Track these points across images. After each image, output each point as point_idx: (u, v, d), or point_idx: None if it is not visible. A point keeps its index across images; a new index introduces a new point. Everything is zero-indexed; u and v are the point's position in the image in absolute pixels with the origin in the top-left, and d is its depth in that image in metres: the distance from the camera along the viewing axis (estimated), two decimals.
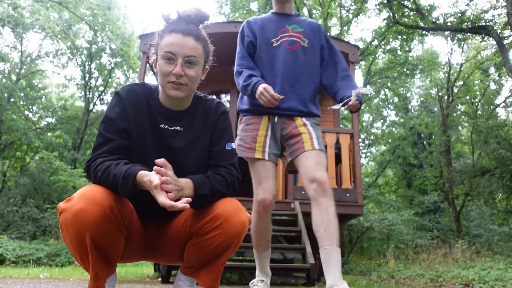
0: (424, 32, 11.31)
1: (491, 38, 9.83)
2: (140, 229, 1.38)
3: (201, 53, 1.33)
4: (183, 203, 1.12)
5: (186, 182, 1.25)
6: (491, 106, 15.00)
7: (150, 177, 1.15)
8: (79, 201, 1.12)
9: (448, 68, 14.69)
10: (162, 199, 1.12)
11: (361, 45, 14.04)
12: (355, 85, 2.01)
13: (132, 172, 1.17)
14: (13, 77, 14.88)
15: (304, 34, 2.10)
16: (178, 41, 1.28)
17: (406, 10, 11.12)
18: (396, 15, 11.02)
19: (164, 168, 1.18)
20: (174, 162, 1.20)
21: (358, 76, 16.74)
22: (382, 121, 19.69)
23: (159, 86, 1.41)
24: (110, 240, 1.19)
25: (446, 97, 14.59)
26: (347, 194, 4.75)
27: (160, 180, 1.13)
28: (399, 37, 12.59)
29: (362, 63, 15.14)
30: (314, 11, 14.37)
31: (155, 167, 1.16)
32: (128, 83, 17.50)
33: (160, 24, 1.37)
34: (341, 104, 1.91)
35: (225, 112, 1.49)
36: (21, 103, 15.23)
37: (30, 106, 15.84)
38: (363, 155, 20.07)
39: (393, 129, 19.03)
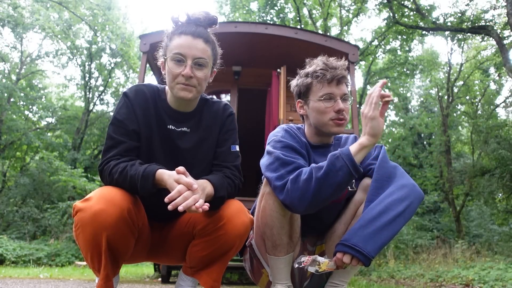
0: (424, 32, 11.31)
1: (491, 38, 9.82)
2: (148, 231, 1.39)
3: (210, 55, 1.34)
4: (202, 206, 1.13)
5: (205, 182, 1.25)
6: (491, 106, 14.99)
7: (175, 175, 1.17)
8: (98, 202, 1.12)
9: (448, 68, 14.69)
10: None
11: (361, 45, 14.02)
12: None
13: (151, 171, 1.18)
14: (13, 77, 14.87)
15: None
16: (188, 42, 1.29)
17: (406, 10, 11.12)
18: (396, 15, 11.01)
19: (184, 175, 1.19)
20: (181, 163, 1.21)
21: (358, 76, 16.75)
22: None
23: (166, 88, 1.41)
24: (124, 242, 1.19)
25: (446, 97, 14.59)
26: None
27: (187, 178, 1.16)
28: (399, 37, 12.58)
29: (362, 63, 15.14)
30: (314, 11, 14.37)
31: (177, 168, 1.17)
32: (128, 83, 17.51)
33: (168, 26, 1.37)
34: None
35: (232, 114, 1.50)
36: (21, 103, 15.23)
37: (30, 106, 15.84)
38: None
39: (393, 129, 19.03)
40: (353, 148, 1.31)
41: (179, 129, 1.39)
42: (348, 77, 1.58)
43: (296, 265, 1.32)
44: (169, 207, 1.10)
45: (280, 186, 1.31)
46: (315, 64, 1.55)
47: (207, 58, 1.32)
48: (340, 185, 1.28)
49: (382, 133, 1.33)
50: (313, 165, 1.33)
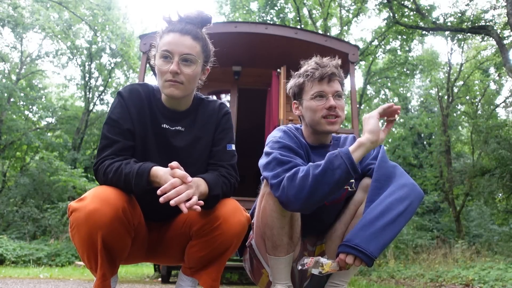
0: (424, 32, 11.31)
1: (491, 38, 9.82)
2: (145, 231, 1.39)
3: (198, 52, 1.32)
4: (195, 204, 1.12)
5: (199, 180, 1.25)
6: (491, 106, 14.99)
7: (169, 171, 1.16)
8: (93, 201, 1.12)
9: (448, 68, 14.69)
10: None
11: (361, 45, 14.02)
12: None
13: (146, 169, 1.18)
14: (13, 77, 14.87)
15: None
16: (175, 39, 1.28)
17: (406, 10, 11.12)
18: (396, 15, 11.01)
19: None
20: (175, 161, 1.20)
21: (358, 76, 16.74)
22: (382, 121, 19.66)
23: None
24: (120, 241, 1.19)
25: (446, 97, 14.59)
26: None
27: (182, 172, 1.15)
28: (399, 37, 12.58)
29: (362, 63, 15.13)
30: (314, 11, 14.36)
31: (171, 163, 1.17)
32: (128, 83, 17.52)
33: (161, 26, 1.36)
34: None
35: (227, 113, 1.50)
36: (21, 103, 15.22)
37: (30, 106, 15.84)
38: None
39: (393, 129, 19.02)
40: (352, 147, 1.31)
41: (173, 128, 1.39)
42: (341, 74, 1.56)
43: (300, 267, 1.32)
44: (161, 199, 1.09)
45: (276, 184, 1.31)
46: (307, 64, 1.56)
47: (195, 54, 1.30)
48: (337, 184, 1.27)
49: (381, 138, 1.33)
50: (310, 163, 1.33)
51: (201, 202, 1.15)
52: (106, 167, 1.23)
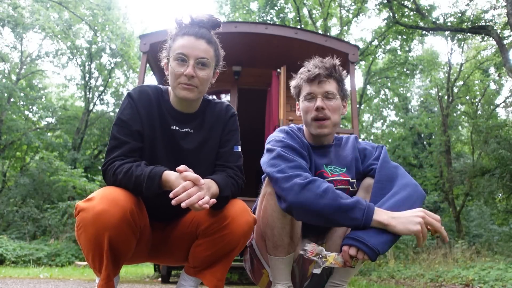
0: (424, 32, 11.31)
1: (491, 38, 9.82)
2: (149, 232, 1.39)
3: (212, 56, 1.35)
4: (208, 202, 1.14)
5: (210, 182, 1.26)
6: (491, 106, 15.00)
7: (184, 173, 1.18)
8: (101, 202, 1.12)
9: (448, 68, 14.69)
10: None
11: (361, 45, 14.02)
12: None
13: (158, 173, 1.19)
14: (13, 77, 14.86)
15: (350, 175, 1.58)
16: (191, 43, 1.30)
17: (406, 10, 11.12)
18: (396, 15, 11.01)
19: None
20: (183, 163, 1.22)
21: (358, 76, 16.74)
22: (382, 121, 19.70)
23: (169, 89, 1.42)
24: (126, 242, 1.19)
25: (446, 97, 14.59)
26: None
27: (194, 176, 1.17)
28: (399, 37, 12.58)
29: (362, 63, 15.13)
30: (314, 11, 14.37)
31: (178, 167, 1.18)
32: (128, 83, 17.46)
33: (171, 27, 1.38)
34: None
35: (234, 115, 1.52)
36: (21, 103, 15.22)
37: (30, 106, 15.83)
38: None
39: (393, 129, 19.03)
40: (383, 217, 1.24)
41: (182, 130, 1.41)
42: (335, 74, 1.54)
43: (302, 252, 1.32)
44: (173, 202, 1.10)
45: (282, 179, 1.28)
46: (305, 65, 1.57)
47: (209, 58, 1.33)
48: (337, 222, 1.26)
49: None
50: (331, 186, 1.27)
51: (214, 200, 1.16)
52: (116, 168, 1.23)
